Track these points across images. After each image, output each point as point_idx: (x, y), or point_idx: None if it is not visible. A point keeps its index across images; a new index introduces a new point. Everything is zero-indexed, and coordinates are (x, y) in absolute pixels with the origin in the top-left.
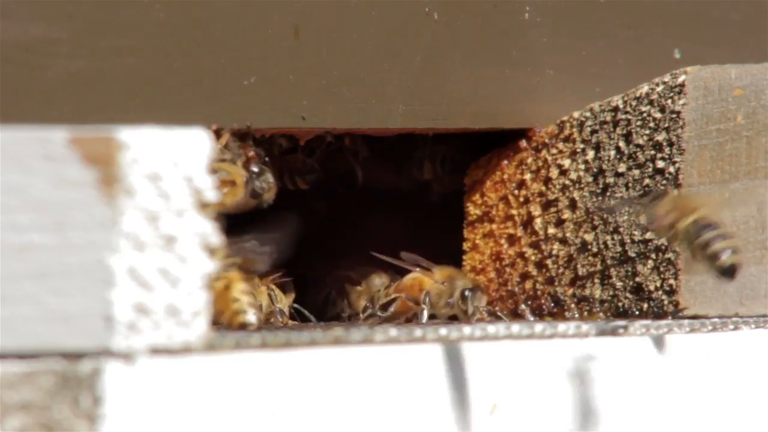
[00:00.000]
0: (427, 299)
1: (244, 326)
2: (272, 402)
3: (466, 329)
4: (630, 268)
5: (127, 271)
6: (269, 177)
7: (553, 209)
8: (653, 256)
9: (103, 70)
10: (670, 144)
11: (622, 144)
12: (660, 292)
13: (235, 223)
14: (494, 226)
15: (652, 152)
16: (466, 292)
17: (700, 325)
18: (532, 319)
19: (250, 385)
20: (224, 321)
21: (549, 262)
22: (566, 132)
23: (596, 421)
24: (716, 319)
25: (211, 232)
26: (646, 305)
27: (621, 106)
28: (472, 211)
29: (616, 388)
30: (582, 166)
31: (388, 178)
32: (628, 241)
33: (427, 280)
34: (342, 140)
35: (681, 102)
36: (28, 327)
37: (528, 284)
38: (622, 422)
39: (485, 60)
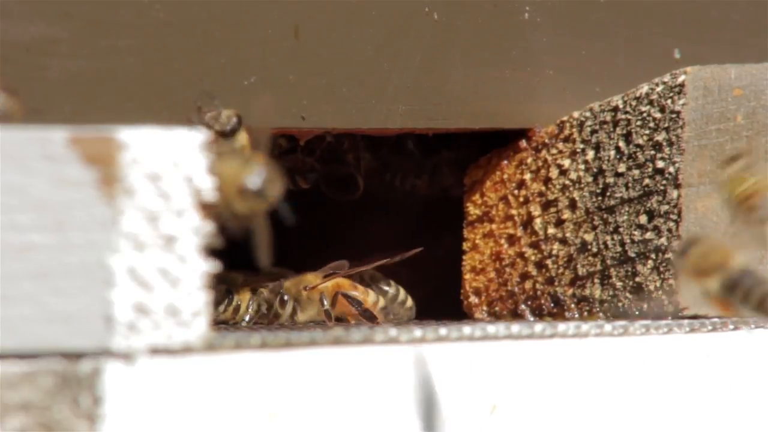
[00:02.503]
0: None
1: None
2: (272, 402)
3: (466, 329)
4: (630, 268)
5: (127, 271)
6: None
7: (553, 209)
8: (653, 256)
9: (103, 70)
10: (670, 144)
11: (622, 144)
12: (660, 292)
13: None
14: (494, 226)
15: (652, 152)
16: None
17: (699, 325)
18: (532, 319)
19: (250, 385)
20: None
21: (549, 262)
22: (566, 132)
23: (594, 420)
24: (716, 319)
25: (211, 232)
26: (646, 305)
27: (621, 106)
28: (472, 211)
29: (616, 388)
30: (582, 166)
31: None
32: (628, 241)
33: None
34: (343, 146)
35: (681, 102)
36: (28, 327)
37: (528, 284)
38: (621, 422)
39: (485, 60)
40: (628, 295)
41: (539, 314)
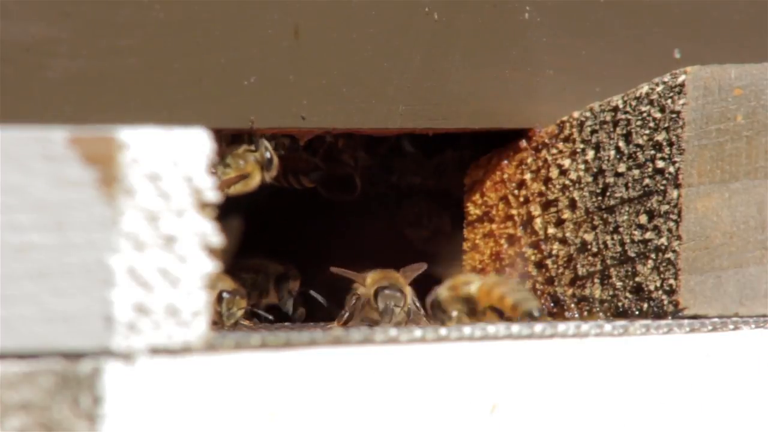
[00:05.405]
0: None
1: None
2: (272, 402)
3: (466, 329)
4: (630, 268)
5: (127, 271)
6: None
7: (553, 209)
8: (653, 256)
9: (103, 70)
10: (670, 144)
11: (622, 144)
12: (660, 292)
13: None
14: (494, 226)
15: (652, 152)
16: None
17: (700, 325)
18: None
19: (250, 385)
20: None
21: (549, 262)
22: (566, 132)
23: (594, 419)
24: (716, 319)
25: (211, 231)
26: (646, 305)
27: (621, 106)
28: (472, 211)
29: (616, 388)
30: (582, 166)
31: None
32: (628, 241)
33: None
34: (339, 147)
35: (681, 102)
36: (28, 327)
37: (528, 284)
38: (621, 422)
39: (485, 60)
40: (628, 295)
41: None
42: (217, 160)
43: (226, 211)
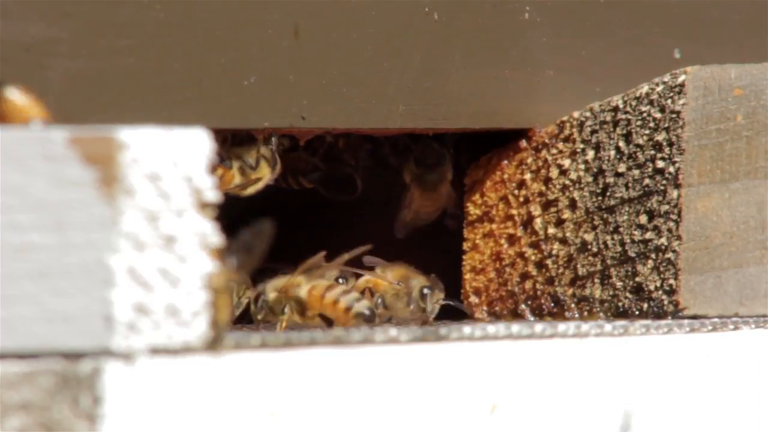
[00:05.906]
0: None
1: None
2: (272, 402)
3: (466, 329)
4: (630, 268)
5: (127, 271)
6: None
7: (553, 209)
8: (653, 256)
9: (103, 70)
10: (670, 144)
11: (622, 144)
12: (660, 292)
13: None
14: (494, 226)
15: (652, 152)
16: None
17: (700, 325)
18: (532, 319)
19: (250, 385)
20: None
21: (549, 262)
22: (566, 132)
23: (593, 420)
24: (716, 319)
25: (211, 231)
26: (646, 305)
27: (621, 106)
28: (472, 211)
29: (615, 389)
30: (582, 166)
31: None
32: (628, 241)
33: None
34: (340, 148)
35: (681, 102)
36: (28, 327)
37: (528, 284)
38: (620, 422)
39: (485, 60)
40: (628, 295)
41: (539, 314)
42: (239, 159)
43: (249, 213)
